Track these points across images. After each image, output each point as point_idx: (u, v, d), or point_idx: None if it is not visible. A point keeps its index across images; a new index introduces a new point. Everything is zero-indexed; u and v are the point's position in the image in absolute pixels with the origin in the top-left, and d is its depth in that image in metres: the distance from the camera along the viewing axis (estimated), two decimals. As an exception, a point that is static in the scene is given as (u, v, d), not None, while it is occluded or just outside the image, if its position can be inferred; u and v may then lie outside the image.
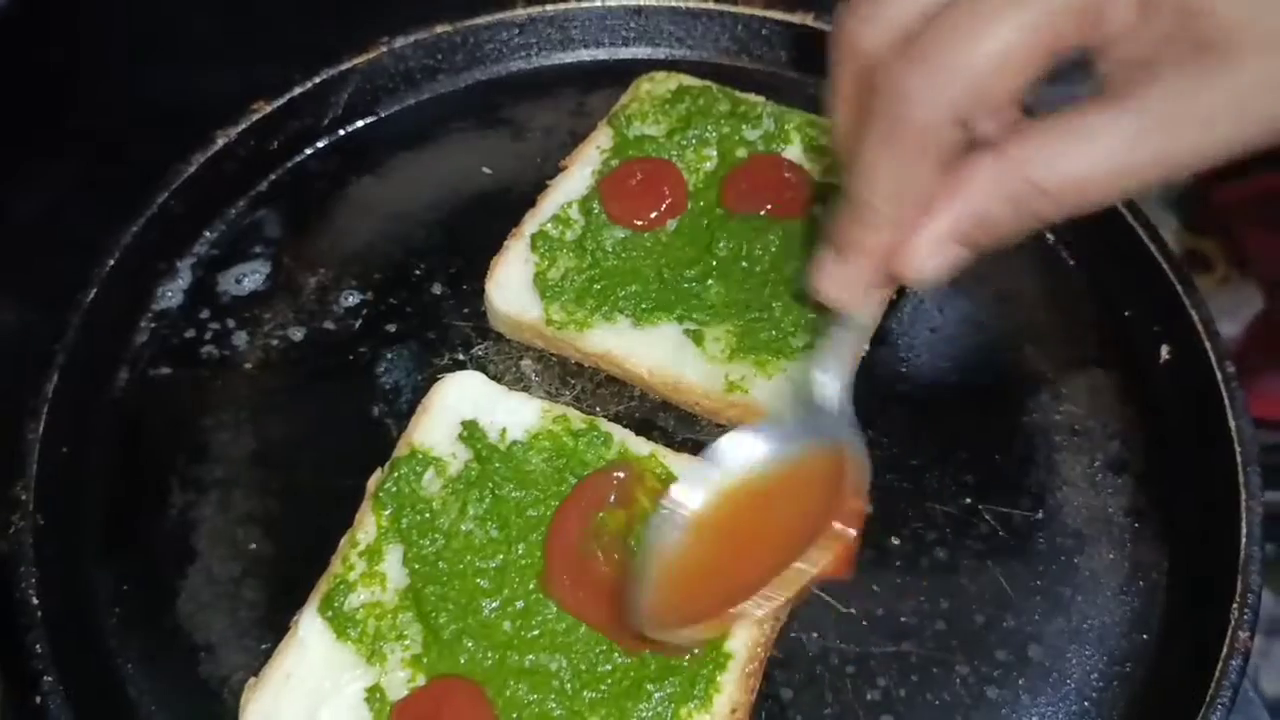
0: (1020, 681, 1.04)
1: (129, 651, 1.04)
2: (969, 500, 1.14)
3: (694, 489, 0.95)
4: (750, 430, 0.97)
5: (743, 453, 0.96)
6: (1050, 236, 1.33)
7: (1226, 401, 1.13)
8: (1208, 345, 1.16)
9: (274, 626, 1.03)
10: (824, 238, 0.92)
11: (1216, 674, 0.99)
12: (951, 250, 0.85)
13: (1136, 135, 0.77)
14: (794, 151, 1.31)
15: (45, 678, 0.98)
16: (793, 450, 0.96)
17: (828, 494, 0.91)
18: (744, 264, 1.21)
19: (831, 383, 0.98)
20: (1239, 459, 1.10)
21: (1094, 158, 0.78)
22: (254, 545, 1.10)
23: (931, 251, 0.85)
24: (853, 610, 1.08)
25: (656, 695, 0.97)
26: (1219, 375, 1.14)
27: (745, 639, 1.00)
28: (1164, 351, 1.22)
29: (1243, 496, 1.08)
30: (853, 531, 0.88)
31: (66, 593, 1.05)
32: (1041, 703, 1.03)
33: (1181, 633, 1.06)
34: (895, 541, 1.11)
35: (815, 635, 1.06)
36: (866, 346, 1.19)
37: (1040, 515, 1.13)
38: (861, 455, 0.93)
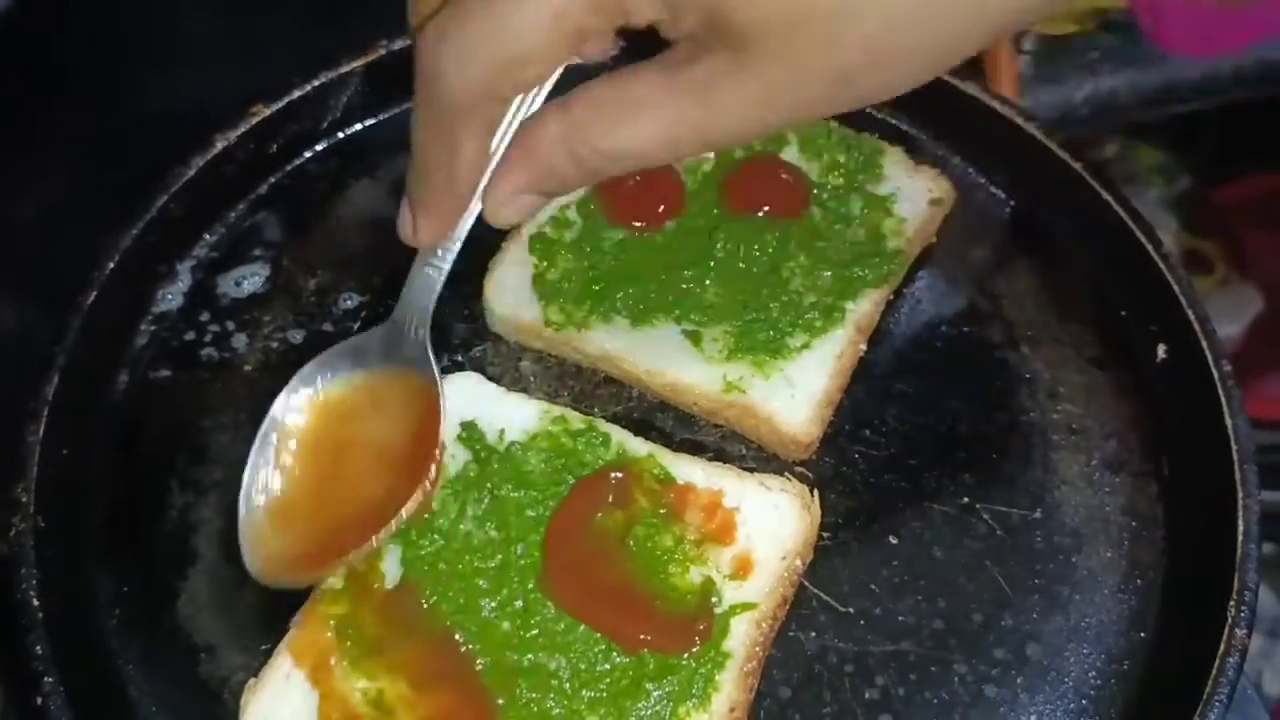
0: (1019, 680, 1.05)
1: (129, 652, 1.05)
2: (966, 500, 1.14)
3: (290, 410, 1.04)
4: (337, 349, 1.06)
5: (329, 366, 1.05)
6: (1045, 236, 1.33)
7: (1223, 400, 1.13)
8: (1204, 344, 1.17)
9: (273, 629, 1.02)
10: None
11: (1214, 671, 0.99)
12: (525, 200, 0.91)
13: (678, 113, 0.80)
14: (791, 152, 1.31)
15: (46, 679, 0.98)
16: (376, 368, 1.06)
17: (410, 426, 1.03)
18: (741, 265, 1.21)
19: (414, 316, 1.05)
20: (1236, 457, 1.10)
21: (644, 131, 0.81)
22: (254, 547, 1.10)
23: (505, 201, 0.90)
24: (851, 610, 1.08)
25: (655, 694, 0.97)
26: (1215, 374, 1.15)
27: (743, 638, 1.00)
28: (1161, 351, 1.22)
29: (1240, 495, 1.08)
30: (434, 470, 1.01)
31: (67, 594, 1.05)
32: (1040, 701, 1.04)
33: (1179, 631, 1.06)
34: (893, 541, 1.12)
35: (813, 634, 1.07)
36: (863, 346, 1.19)
37: (1038, 514, 1.14)
38: (438, 393, 1.03)
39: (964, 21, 0.76)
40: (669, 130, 0.81)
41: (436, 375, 1.04)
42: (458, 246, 1.01)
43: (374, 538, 0.98)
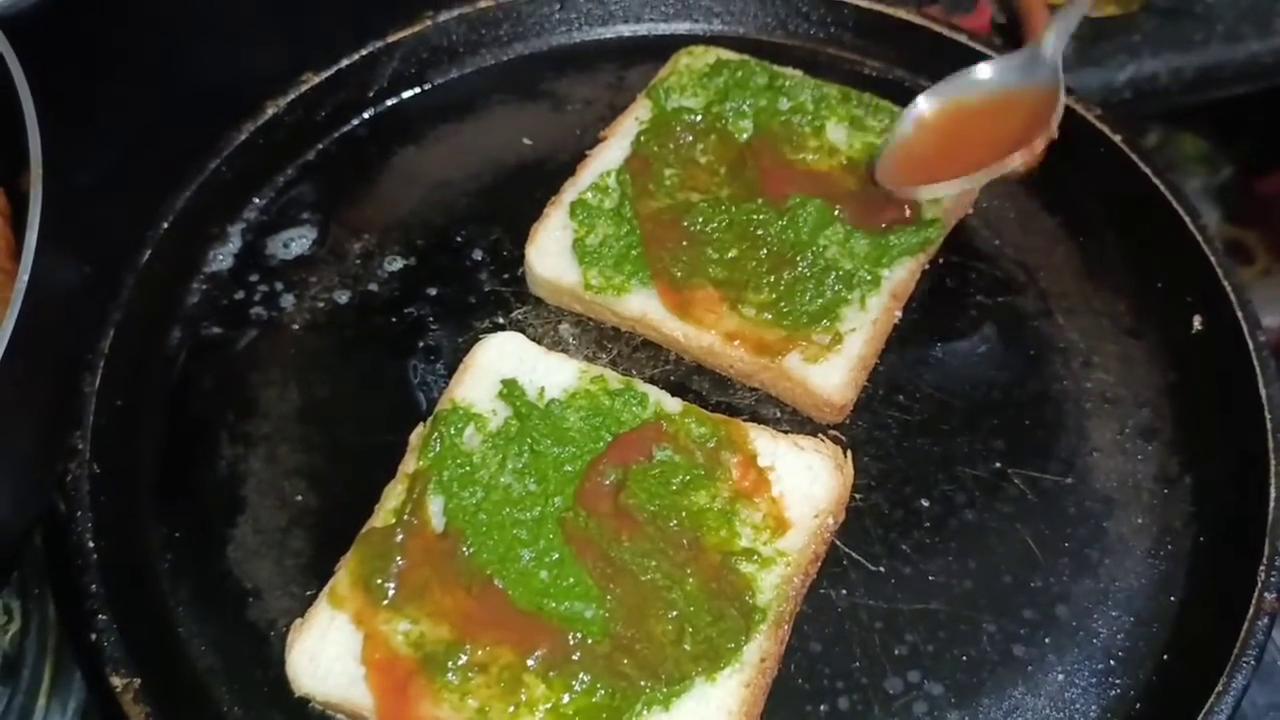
0: (1047, 640, 1.06)
1: (180, 595, 1.08)
2: (999, 465, 1.16)
3: (932, 97, 1.29)
4: (984, 63, 1.30)
5: (976, 75, 1.29)
6: (1082, 207, 1.34)
7: (1258, 370, 1.14)
8: (1240, 315, 1.17)
9: (319, 574, 1.06)
10: None
11: (1242, 634, 1.00)
12: None
13: None
14: (831, 125, 1.33)
15: (99, 616, 1.02)
16: (1011, 81, 1.28)
17: (1030, 120, 1.22)
18: (780, 233, 1.22)
19: (1054, 42, 1.26)
20: (1269, 426, 1.11)
21: None
22: (300, 497, 1.14)
23: None
24: (881, 569, 1.10)
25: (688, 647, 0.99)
26: (1250, 344, 1.15)
27: (775, 592, 1.02)
28: (1196, 322, 1.22)
29: (1273, 463, 1.09)
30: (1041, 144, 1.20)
31: (120, 538, 1.09)
32: (1067, 661, 1.05)
33: (1208, 595, 1.07)
34: (925, 503, 1.13)
35: (844, 592, 1.08)
36: (899, 313, 1.21)
37: (1069, 480, 1.15)
38: (1059, 98, 1.22)
39: None
40: None
41: (1061, 83, 1.23)
42: None
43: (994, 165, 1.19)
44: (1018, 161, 1.20)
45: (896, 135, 1.29)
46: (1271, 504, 1.06)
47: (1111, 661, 1.05)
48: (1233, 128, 2.12)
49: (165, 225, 1.26)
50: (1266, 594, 1.02)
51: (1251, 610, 1.01)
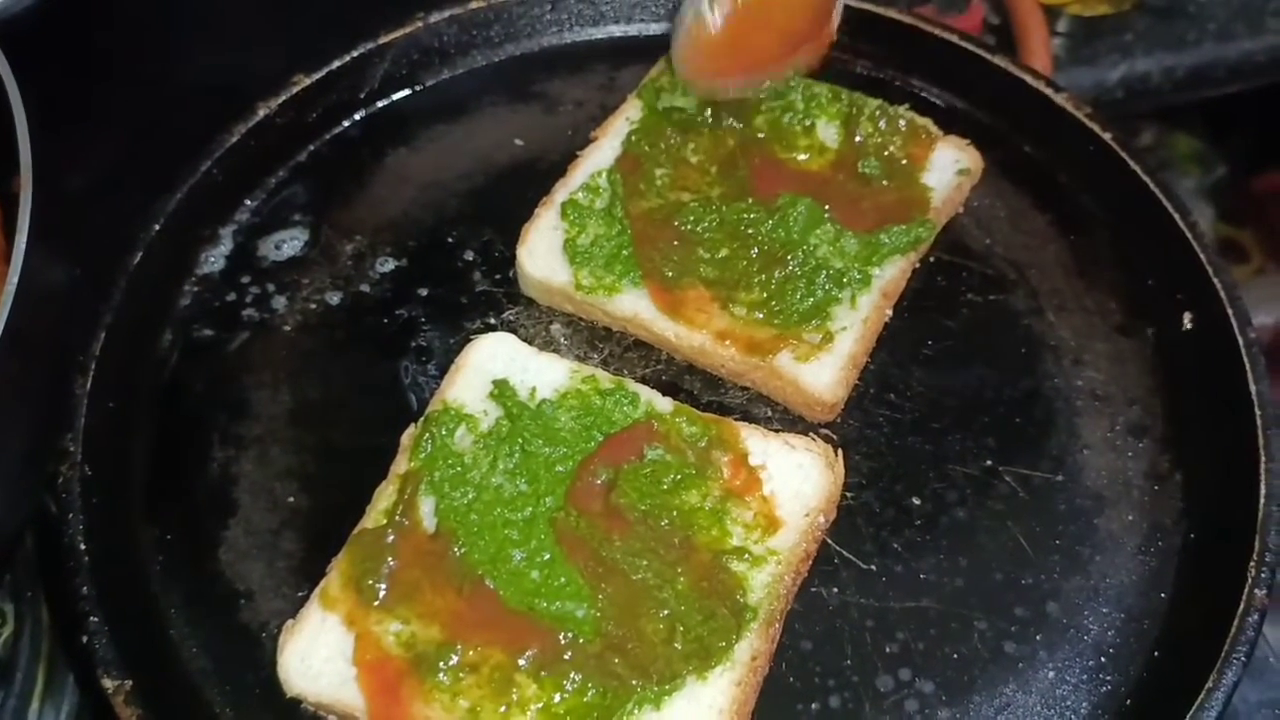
0: (1038, 637, 1.06)
1: (172, 597, 1.08)
2: (989, 462, 1.16)
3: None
4: None
5: None
6: (1072, 205, 1.34)
7: (1248, 366, 1.14)
8: (1230, 312, 1.18)
9: (310, 576, 1.06)
10: None
11: (1233, 631, 1.00)
12: None
13: None
14: (821, 124, 1.33)
15: (91, 618, 1.02)
16: None
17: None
18: (769, 232, 1.23)
19: None
20: (1259, 423, 1.11)
21: None
22: (291, 499, 1.14)
23: None
24: (872, 567, 1.10)
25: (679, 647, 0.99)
26: (1241, 341, 1.16)
27: (766, 590, 1.02)
28: (1186, 319, 1.23)
29: (1263, 459, 1.09)
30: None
31: (112, 540, 1.09)
32: (1058, 658, 1.05)
33: (1199, 592, 1.07)
34: (916, 501, 1.13)
35: (835, 590, 1.08)
36: (889, 312, 1.21)
37: (1060, 478, 1.15)
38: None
39: None
40: None
41: None
42: None
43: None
44: (808, 59, 1.29)
45: (688, 27, 1.29)
46: (1261, 500, 1.06)
47: (1102, 658, 1.05)
48: (1226, 127, 2.13)
49: (156, 227, 1.26)
50: (1257, 590, 1.02)
51: (1242, 606, 1.01)
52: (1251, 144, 2.15)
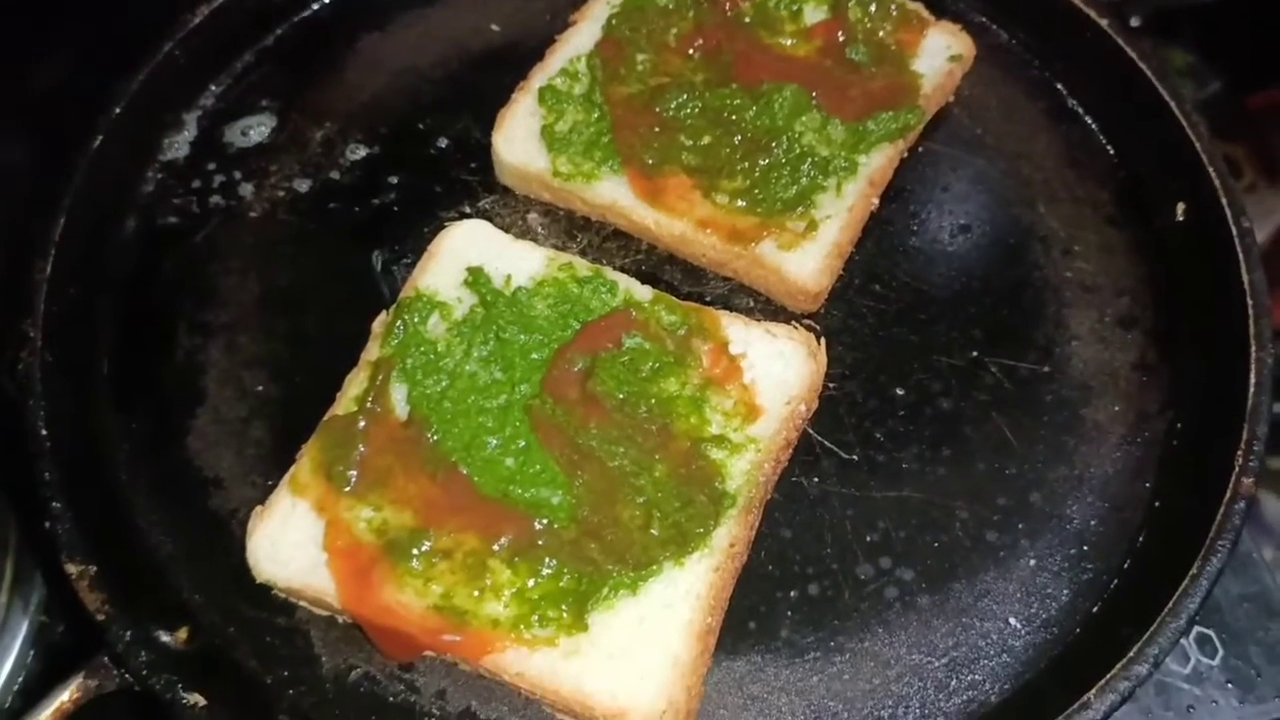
0: (1020, 526, 1.05)
1: (139, 484, 1.06)
2: (975, 353, 1.14)
3: None
4: None
5: None
6: (1066, 94, 1.30)
7: (1240, 255, 1.12)
8: (1224, 200, 1.15)
9: (281, 463, 1.04)
10: None
11: (1218, 518, 0.99)
12: None
13: None
14: (809, 9, 1.28)
15: (54, 504, 0.99)
16: None
17: None
18: (755, 119, 1.19)
19: None
20: (1251, 310, 1.09)
21: None
22: (261, 387, 1.11)
23: None
24: (854, 456, 1.08)
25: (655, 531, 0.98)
26: (1234, 230, 1.13)
27: (745, 478, 1.00)
28: (1179, 210, 1.20)
29: (1253, 348, 1.07)
30: None
31: (75, 427, 1.06)
32: (1040, 546, 1.04)
33: (1183, 481, 1.06)
34: (899, 392, 1.11)
35: (816, 480, 1.07)
36: (876, 201, 1.18)
37: (1046, 369, 1.13)
38: None
39: None
40: None
41: None
42: None
43: None
44: None
45: None
46: (1251, 389, 1.05)
47: (1085, 546, 1.04)
48: (1221, 41, 2.08)
49: (117, 110, 1.21)
50: (1244, 478, 1.01)
51: (1229, 494, 1.00)
52: (1246, 59, 2.11)
